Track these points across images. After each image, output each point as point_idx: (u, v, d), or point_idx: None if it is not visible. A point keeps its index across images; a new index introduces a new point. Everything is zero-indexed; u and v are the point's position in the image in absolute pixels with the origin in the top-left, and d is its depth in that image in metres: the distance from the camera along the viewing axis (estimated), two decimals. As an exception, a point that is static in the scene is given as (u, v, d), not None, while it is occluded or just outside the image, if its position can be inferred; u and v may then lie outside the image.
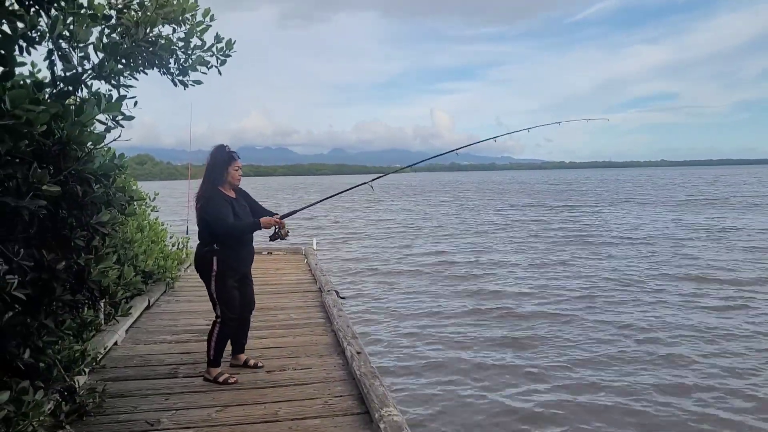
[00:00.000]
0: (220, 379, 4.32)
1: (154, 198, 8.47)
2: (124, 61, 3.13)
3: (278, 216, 4.56)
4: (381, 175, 5.46)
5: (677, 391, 6.66)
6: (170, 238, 9.31)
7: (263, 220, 4.42)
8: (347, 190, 5.26)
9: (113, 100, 2.94)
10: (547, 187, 72.55)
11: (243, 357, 4.73)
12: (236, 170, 4.50)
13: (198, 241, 4.43)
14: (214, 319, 4.44)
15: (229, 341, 4.57)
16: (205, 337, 5.14)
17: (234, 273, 4.41)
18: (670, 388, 6.73)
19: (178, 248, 9.32)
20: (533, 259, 16.01)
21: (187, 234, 11.08)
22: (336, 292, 7.04)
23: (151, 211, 8.45)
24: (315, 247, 11.98)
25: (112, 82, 3.12)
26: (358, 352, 4.60)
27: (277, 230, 4.53)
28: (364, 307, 11.19)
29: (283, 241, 4.69)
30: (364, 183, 5.02)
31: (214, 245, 4.32)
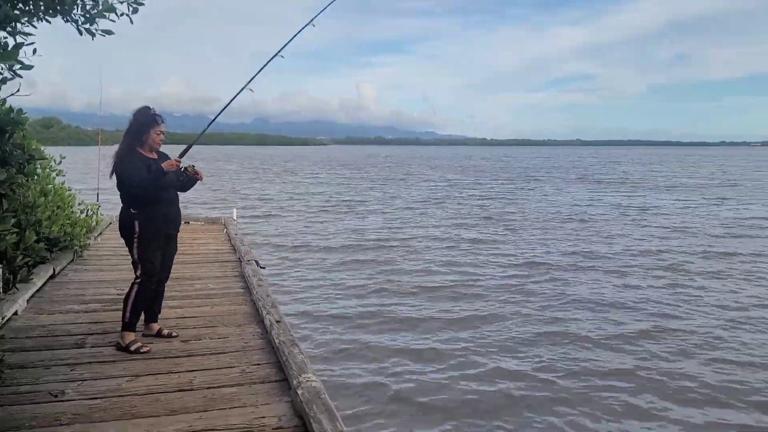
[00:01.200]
0: (132, 348, 4.16)
1: (60, 162, 7.94)
2: (21, 5, 2.86)
3: (177, 157, 4.35)
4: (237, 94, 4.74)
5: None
6: (79, 204, 8.80)
7: (164, 164, 4.21)
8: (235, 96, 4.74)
9: (9, 48, 2.70)
10: (473, 162, 74.07)
11: (156, 326, 4.57)
12: (158, 134, 4.39)
13: (121, 205, 4.31)
14: (132, 280, 4.32)
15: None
16: (117, 307, 4.95)
17: (157, 234, 4.35)
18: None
19: (87, 215, 8.84)
20: (455, 237, 16.37)
21: (97, 201, 10.54)
22: (256, 261, 6.92)
23: (57, 175, 7.93)
24: (235, 217, 11.70)
25: (8, 29, 2.86)
26: (278, 321, 4.55)
27: (183, 170, 4.38)
28: (285, 281, 11.09)
29: (201, 183, 4.61)
30: (245, 86, 4.64)
31: (132, 209, 4.24)
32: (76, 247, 7.39)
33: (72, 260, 7.24)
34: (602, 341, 7.75)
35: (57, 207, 7.04)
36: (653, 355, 7.26)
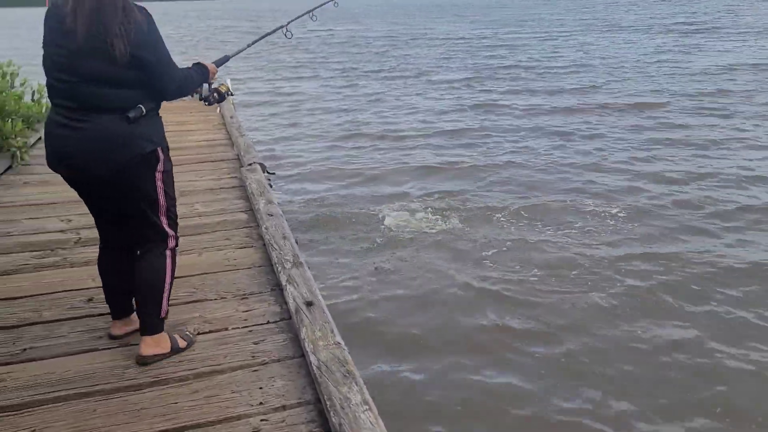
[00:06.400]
0: (190, 339, 2.55)
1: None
2: None
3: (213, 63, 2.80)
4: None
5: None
6: (21, 84, 6.67)
7: (210, 66, 2.67)
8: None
9: None
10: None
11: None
12: None
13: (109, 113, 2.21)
14: (156, 250, 2.42)
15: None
16: (59, 261, 3.17)
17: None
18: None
19: (34, 99, 6.73)
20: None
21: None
22: (262, 166, 4.92)
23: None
24: (230, 88, 9.35)
25: None
26: (309, 303, 2.66)
27: (214, 89, 2.82)
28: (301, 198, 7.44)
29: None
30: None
31: (143, 120, 2.26)
32: (13, 149, 5.38)
33: (9, 167, 5.29)
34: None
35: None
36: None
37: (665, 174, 7.78)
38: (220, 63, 2.89)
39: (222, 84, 2.87)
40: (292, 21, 3.52)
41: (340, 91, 15.51)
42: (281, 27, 3.48)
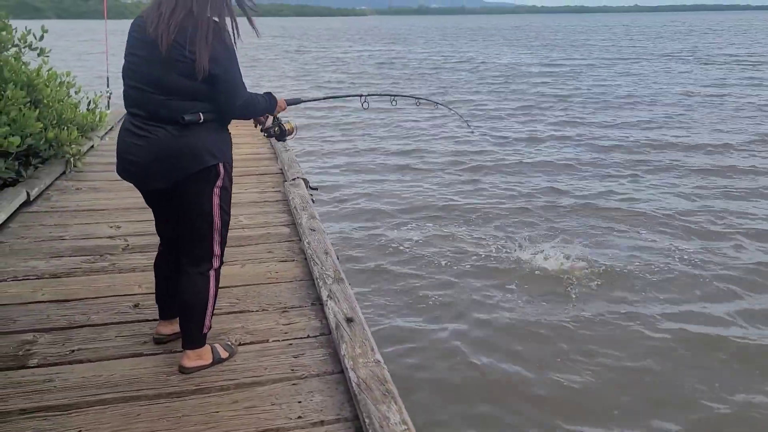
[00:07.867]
0: (232, 352, 2.58)
1: (41, 37, 5.91)
2: None
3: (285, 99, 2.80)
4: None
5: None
6: (76, 92, 6.91)
7: (280, 100, 2.66)
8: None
9: None
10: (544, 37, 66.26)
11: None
12: None
13: (169, 115, 2.22)
14: (200, 270, 2.42)
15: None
16: (107, 267, 3.26)
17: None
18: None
19: (89, 109, 6.97)
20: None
21: (107, 88, 8.64)
22: (305, 181, 4.99)
23: (40, 56, 5.95)
24: (295, 129, 9.44)
25: None
26: (349, 320, 2.67)
27: (278, 123, 2.84)
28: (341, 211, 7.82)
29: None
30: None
31: (215, 136, 2.32)
32: (68, 156, 5.58)
33: (63, 173, 5.48)
34: None
35: (30, 102, 5.14)
36: None
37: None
38: (291, 103, 2.88)
39: (289, 122, 2.87)
40: (372, 95, 3.38)
41: (384, 113, 15.52)
42: (361, 96, 3.36)
